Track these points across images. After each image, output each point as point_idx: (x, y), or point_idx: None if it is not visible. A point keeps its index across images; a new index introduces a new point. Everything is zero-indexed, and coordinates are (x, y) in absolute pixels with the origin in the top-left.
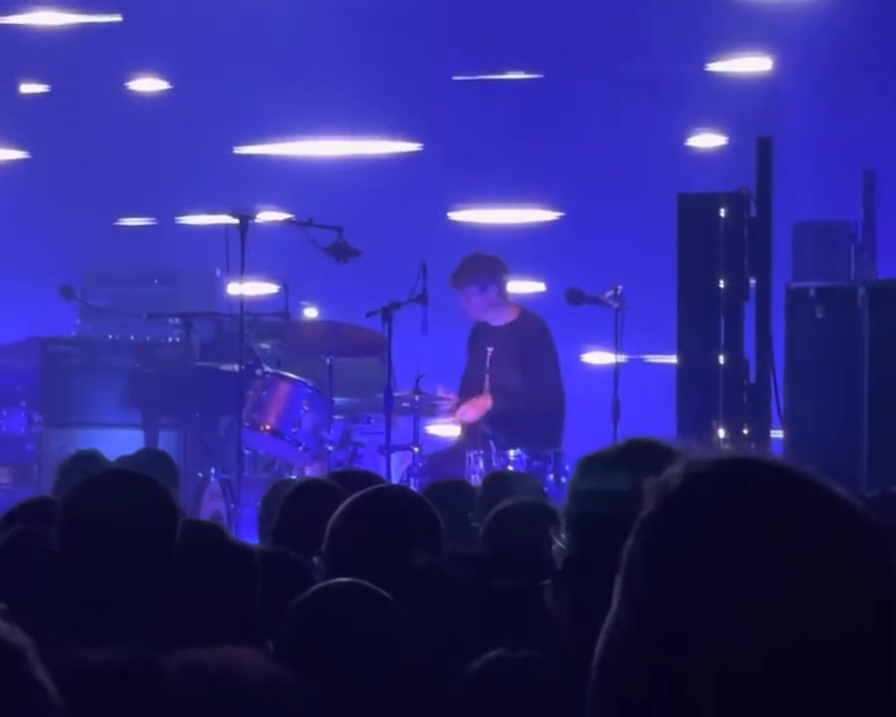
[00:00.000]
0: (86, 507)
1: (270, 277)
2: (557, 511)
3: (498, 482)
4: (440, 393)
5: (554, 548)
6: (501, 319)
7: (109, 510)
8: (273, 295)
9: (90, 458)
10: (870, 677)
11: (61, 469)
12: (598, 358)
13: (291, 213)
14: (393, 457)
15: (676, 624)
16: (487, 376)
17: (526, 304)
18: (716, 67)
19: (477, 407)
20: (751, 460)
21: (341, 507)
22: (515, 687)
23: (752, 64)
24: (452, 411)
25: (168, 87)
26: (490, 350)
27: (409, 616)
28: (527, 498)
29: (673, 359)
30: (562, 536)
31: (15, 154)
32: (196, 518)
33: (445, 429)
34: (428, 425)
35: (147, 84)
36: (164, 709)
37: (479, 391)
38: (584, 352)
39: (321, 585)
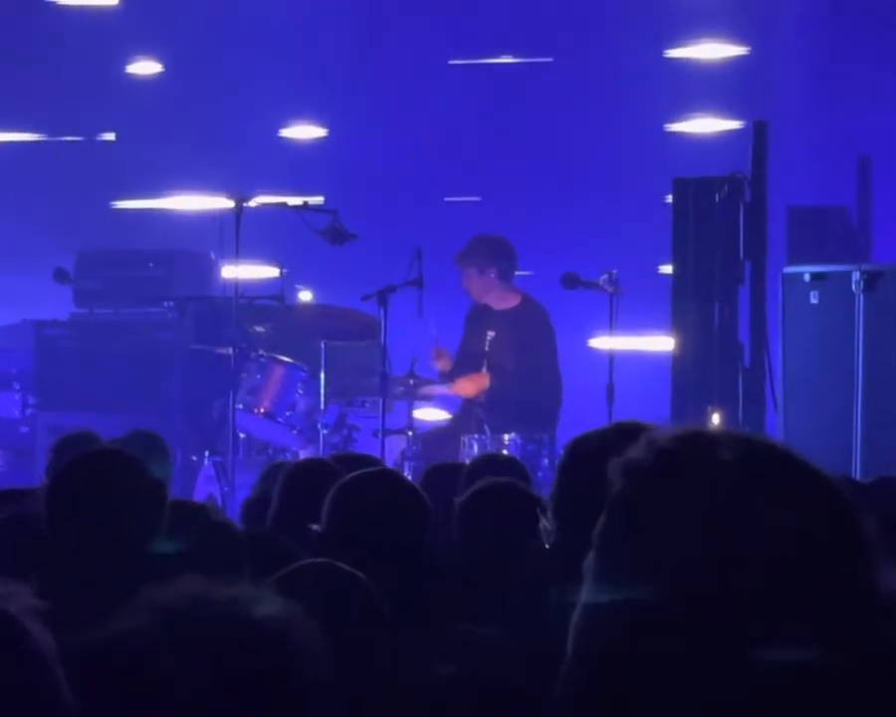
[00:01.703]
0: (70, 487)
1: (265, 260)
2: (532, 493)
3: (483, 464)
4: (433, 351)
5: (540, 525)
6: (502, 304)
7: (93, 490)
8: (268, 278)
9: (83, 439)
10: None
11: (54, 450)
12: (606, 343)
13: (286, 196)
14: (388, 441)
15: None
16: (485, 361)
17: (528, 290)
18: (710, 51)
19: (475, 383)
20: (713, 434)
21: (333, 489)
22: (478, 662)
23: (746, 48)
24: (445, 372)
25: (163, 69)
26: (490, 334)
27: (384, 597)
28: (502, 480)
29: (667, 344)
30: (549, 515)
31: (11, 136)
32: (182, 499)
33: (435, 414)
34: (417, 409)
35: (144, 66)
36: (170, 683)
37: (469, 364)
38: (591, 337)
39: (295, 565)
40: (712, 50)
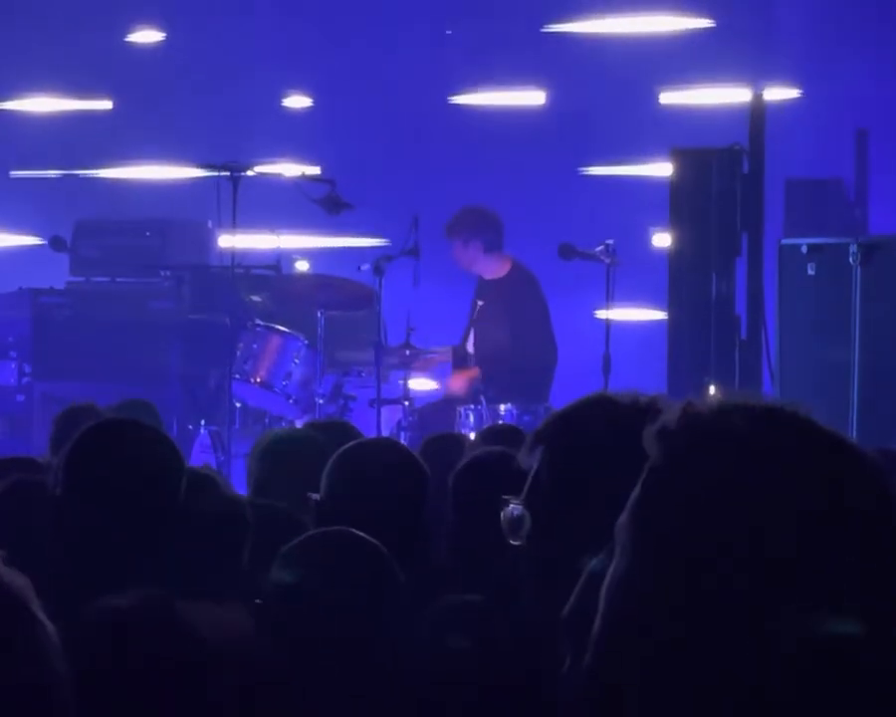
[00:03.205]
0: (92, 454)
1: (262, 230)
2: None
3: (487, 436)
4: (434, 352)
5: (503, 514)
6: (491, 273)
7: (114, 458)
8: (265, 248)
9: (87, 411)
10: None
11: (57, 422)
12: (603, 314)
13: (284, 165)
14: (384, 411)
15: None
16: (473, 330)
17: (521, 259)
18: (707, 22)
19: (464, 380)
20: (752, 406)
21: (333, 457)
22: (467, 629)
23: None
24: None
25: (164, 37)
26: (479, 303)
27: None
28: (497, 449)
29: (664, 316)
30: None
31: (8, 104)
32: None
33: (431, 384)
34: (413, 379)
35: (145, 35)
36: (184, 653)
37: (465, 350)
38: (587, 307)
39: (310, 532)
40: (710, 22)
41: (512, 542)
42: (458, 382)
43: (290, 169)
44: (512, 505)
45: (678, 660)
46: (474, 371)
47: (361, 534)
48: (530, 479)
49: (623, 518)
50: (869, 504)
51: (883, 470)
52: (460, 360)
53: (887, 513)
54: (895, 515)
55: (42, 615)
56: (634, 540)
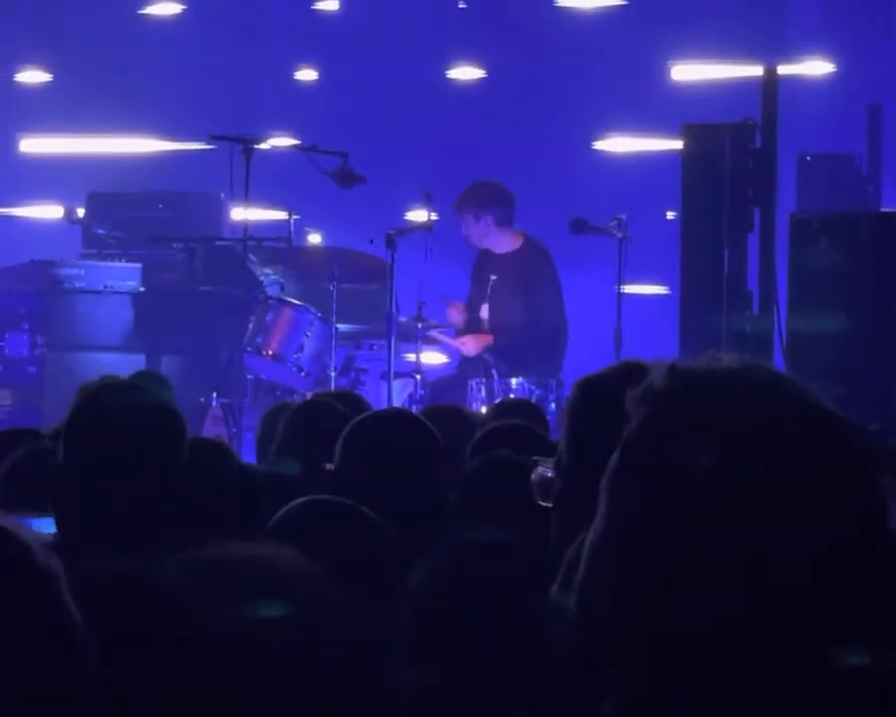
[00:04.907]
0: (89, 419)
1: (274, 203)
2: (546, 436)
3: (502, 409)
4: (449, 307)
5: (534, 477)
6: (503, 247)
7: (112, 423)
8: (277, 221)
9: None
10: (851, 587)
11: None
12: (615, 288)
13: (297, 139)
14: (395, 384)
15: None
16: (487, 305)
17: (530, 233)
18: None
19: (479, 342)
20: (736, 368)
21: (347, 428)
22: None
23: None
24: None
25: (182, 9)
26: (493, 277)
27: (393, 533)
28: (513, 421)
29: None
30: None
31: (25, 76)
32: (201, 437)
33: (442, 358)
34: (425, 352)
35: (162, 7)
36: (165, 620)
37: (477, 317)
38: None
39: (300, 500)
40: None
41: (541, 504)
42: (471, 344)
43: (302, 143)
44: (542, 468)
45: (653, 620)
46: (488, 338)
47: (349, 501)
48: (560, 443)
49: (608, 474)
50: (847, 465)
51: (862, 437)
52: (471, 324)
53: (865, 476)
54: (869, 474)
55: (72, 605)
56: (620, 497)
